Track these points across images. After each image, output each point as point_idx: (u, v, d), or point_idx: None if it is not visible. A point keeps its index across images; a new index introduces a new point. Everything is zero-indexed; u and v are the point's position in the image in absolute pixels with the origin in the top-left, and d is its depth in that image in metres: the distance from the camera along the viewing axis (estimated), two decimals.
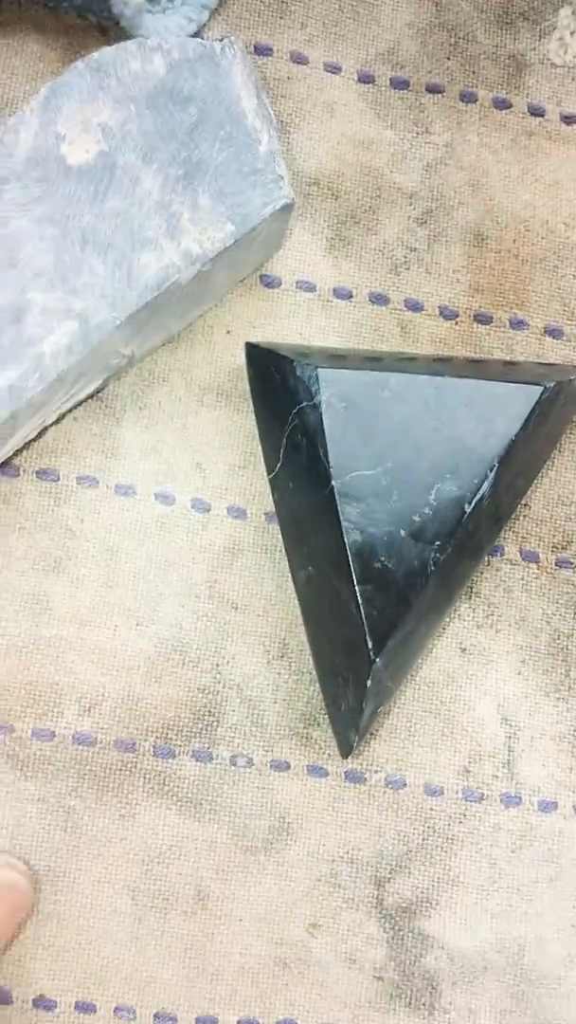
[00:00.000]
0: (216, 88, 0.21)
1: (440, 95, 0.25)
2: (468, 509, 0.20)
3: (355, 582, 0.20)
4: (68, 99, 0.20)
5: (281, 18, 0.24)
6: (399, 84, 0.25)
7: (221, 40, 0.21)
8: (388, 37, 0.25)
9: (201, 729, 0.22)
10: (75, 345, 0.20)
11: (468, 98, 0.25)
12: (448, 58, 0.25)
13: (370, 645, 0.20)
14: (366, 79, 0.25)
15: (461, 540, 0.20)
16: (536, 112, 0.25)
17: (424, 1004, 0.22)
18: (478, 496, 0.20)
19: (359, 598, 0.20)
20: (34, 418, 0.21)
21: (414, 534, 0.20)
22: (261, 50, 0.24)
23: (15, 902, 0.21)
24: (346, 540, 0.20)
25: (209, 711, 0.22)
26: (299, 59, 0.24)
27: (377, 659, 0.20)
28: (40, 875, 0.22)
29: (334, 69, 0.24)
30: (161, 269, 0.21)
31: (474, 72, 0.25)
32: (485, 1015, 0.22)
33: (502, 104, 0.25)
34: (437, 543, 0.20)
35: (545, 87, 0.25)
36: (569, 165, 0.25)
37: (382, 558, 0.20)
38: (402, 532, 0.20)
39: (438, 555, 0.20)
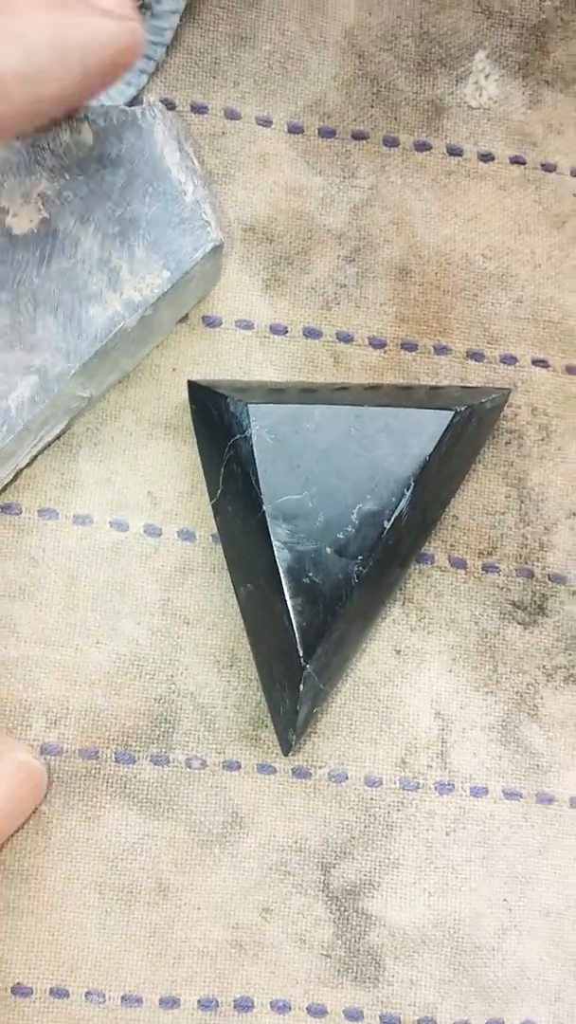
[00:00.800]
0: (141, 149, 0.23)
1: (365, 141, 0.27)
2: (387, 525, 0.22)
3: (286, 596, 0.22)
4: (9, 175, 0.23)
5: (214, 78, 0.27)
6: (326, 133, 0.27)
7: (142, 105, 0.24)
8: (315, 90, 0.27)
9: (158, 735, 0.25)
10: (37, 396, 0.23)
11: (391, 142, 0.27)
12: (371, 106, 0.27)
13: (301, 653, 0.22)
14: (295, 130, 0.27)
15: (382, 553, 0.23)
16: (455, 152, 0.27)
17: (369, 978, 0.24)
18: (396, 513, 0.22)
19: (290, 611, 0.22)
20: (6, 465, 0.24)
21: (339, 550, 0.22)
22: (197, 108, 0.26)
23: (33, 783, 0.23)
24: (277, 558, 0.22)
25: (165, 718, 0.25)
26: (232, 115, 0.27)
27: (308, 665, 0.22)
28: (14, 874, 0.24)
29: (265, 122, 0.27)
30: (108, 319, 0.23)
31: (396, 118, 0.27)
32: (426, 985, 0.24)
33: (423, 146, 0.27)
34: (360, 557, 0.22)
35: (463, 128, 0.27)
36: (486, 200, 0.27)
37: (310, 573, 0.22)
38: (328, 549, 0.22)
39: (361, 568, 0.22)
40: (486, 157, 0.27)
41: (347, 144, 0.27)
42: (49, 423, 0.24)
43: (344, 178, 0.27)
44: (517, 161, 0.27)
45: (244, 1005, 0.24)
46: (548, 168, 0.27)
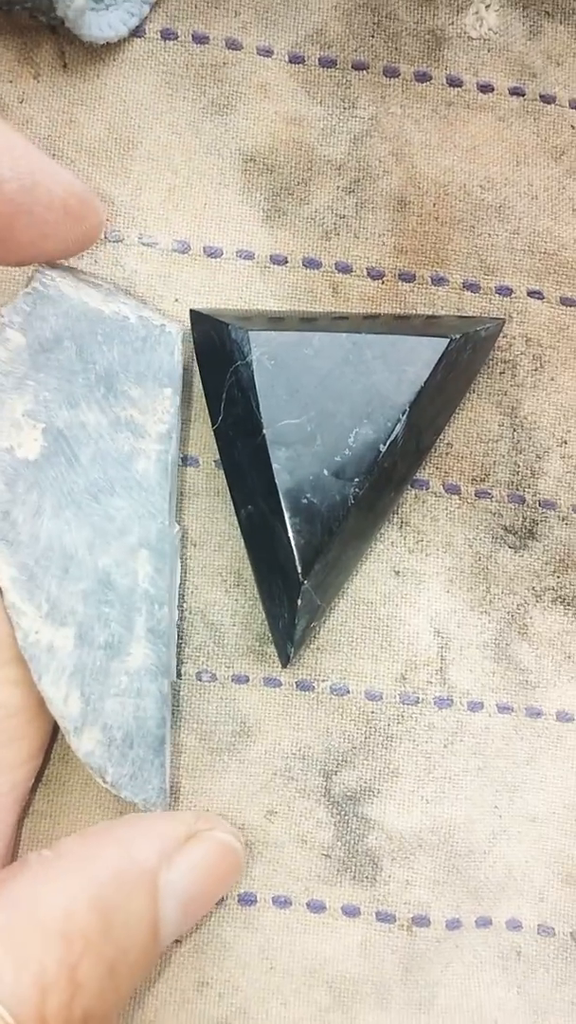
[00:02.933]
0: (66, 313, 0.23)
1: (365, 71, 0.27)
2: (383, 449, 0.23)
3: (285, 516, 0.23)
4: None
5: (215, 8, 0.27)
6: (327, 63, 0.27)
7: (32, 279, 0.23)
8: (316, 19, 0.27)
9: None
10: (159, 565, 0.23)
11: (391, 73, 0.27)
12: (372, 36, 0.27)
13: (299, 569, 0.23)
14: (296, 60, 0.27)
15: (378, 476, 0.23)
16: (454, 83, 0.27)
17: (367, 877, 0.26)
18: (392, 437, 0.23)
19: (289, 530, 0.23)
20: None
21: (336, 473, 0.23)
22: (198, 38, 0.27)
23: (232, 862, 0.23)
24: (277, 480, 0.23)
25: (178, 635, 0.26)
26: (234, 45, 0.27)
27: (305, 581, 0.23)
28: (41, 783, 0.25)
29: (266, 52, 0.27)
30: (156, 462, 0.23)
31: (396, 48, 0.27)
32: (420, 885, 0.26)
33: (423, 77, 0.27)
34: (356, 479, 0.23)
35: (463, 59, 0.27)
36: (485, 131, 0.27)
37: (308, 495, 0.23)
38: (325, 471, 0.23)
39: (357, 490, 0.23)
40: (485, 88, 0.27)
41: (347, 74, 0.27)
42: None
43: (344, 108, 0.27)
44: (516, 92, 0.27)
45: (248, 900, 0.25)
46: (547, 99, 0.27)
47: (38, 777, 0.25)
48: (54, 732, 0.25)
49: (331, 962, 0.25)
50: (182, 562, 0.26)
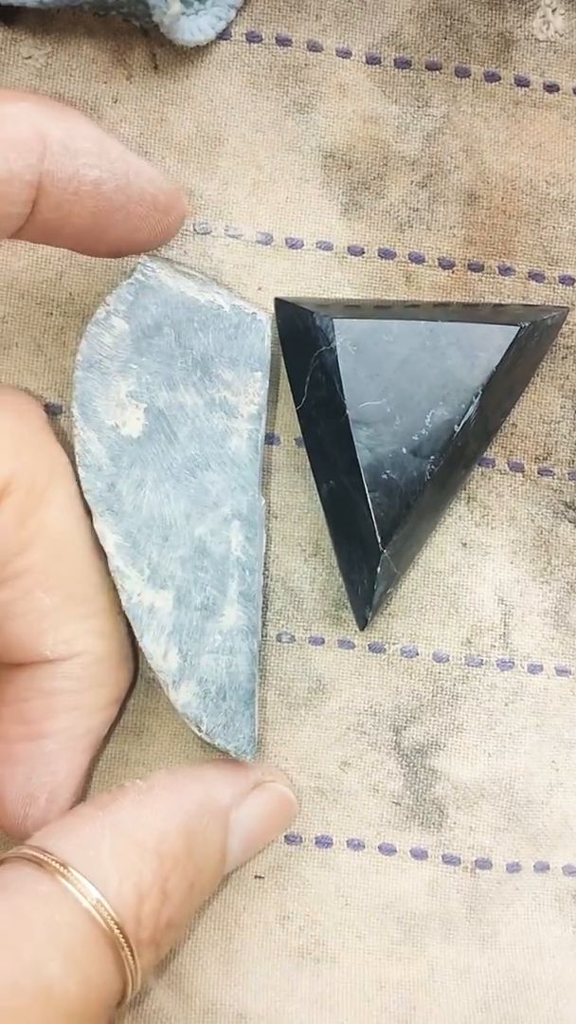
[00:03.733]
0: (166, 302, 0.25)
1: (438, 72, 0.29)
2: (457, 429, 0.25)
3: (366, 491, 0.25)
4: (96, 398, 0.24)
5: (298, 12, 0.28)
6: (402, 64, 0.29)
7: (135, 270, 0.25)
8: (392, 22, 0.29)
9: None
10: (250, 535, 0.25)
11: (462, 73, 0.29)
12: (445, 38, 0.29)
13: (379, 539, 0.25)
14: (373, 61, 0.29)
15: (452, 454, 0.25)
16: (522, 83, 0.29)
17: (434, 823, 0.28)
18: (465, 418, 0.25)
19: (369, 503, 0.25)
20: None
21: (413, 451, 0.25)
22: (281, 41, 0.28)
23: (288, 812, 0.27)
24: (358, 457, 0.25)
25: (262, 601, 0.28)
26: (314, 47, 0.29)
27: (384, 550, 0.25)
28: (128, 731, 0.27)
29: (345, 54, 0.29)
30: (247, 441, 0.25)
31: (467, 50, 0.29)
32: (483, 831, 0.28)
33: (492, 77, 0.29)
34: (432, 457, 0.25)
35: (530, 60, 0.29)
36: (551, 129, 0.29)
37: (387, 471, 0.25)
38: (403, 449, 0.25)
39: (433, 467, 0.25)
40: (551, 88, 0.29)
41: (421, 75, 0.29)
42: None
43: (418, 107, 0.29)
44: None
45: (324, 842, 0.27)
46: None
47: (130, 728, 0.27)
48: (131, 689, 0.27)
49: (401, 900, 0.27)
50: (267, 533, 0.28)
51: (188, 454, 0.25)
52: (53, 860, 0.21)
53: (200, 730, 0.25)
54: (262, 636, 0.28)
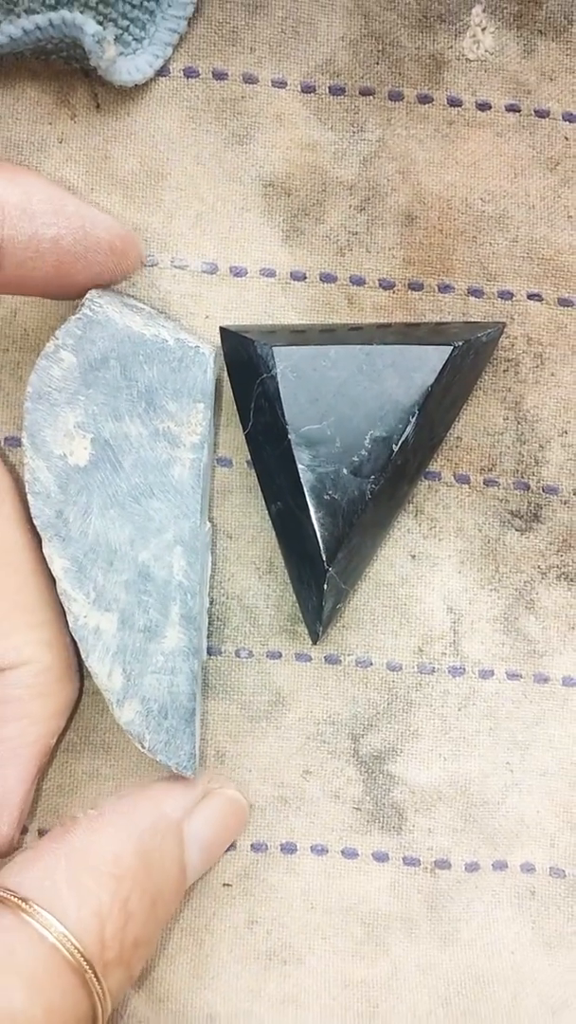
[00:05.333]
0: (113, 336, 0.26)
1: (372, 96, 0.29)
2: (395, 448, 0.26)
3: (311, 511, 0.26)
4: (45, 429, 0.26)
5: (233, 45, 0.29)
6: (336, 91, 0.29)
7: (83, 304, 0.26)
8: (324, 50, 0.29)
9: (212, 631, 0.29)
10: (190, 559, 0.26)
11: (396, 97, 0.29)
12: (377, 63, 0.29)
13: (324, 558, 0.26)
14: (308, 89, 0.29)
15: (392, 472, 0.26)
16: (455, 103, 0.29)
17: (393, 826, 0.29)
18: (403, 438, 0.26)
19: (314, 523, 0.26)
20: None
21: (354, 471, 0.26)
22: (218, 75, 0.29)
23: (240, 817, 0.28)
24: (301, 479, 0.26)
25: (218, 617, 0.29)
26: (250, 79, 0.29)
27: (330, 568, 0.26)
28: (96, 747, 0.29)
29: (280, 84, 0.29)
30: (190, 469, 0.26)
31: (400, 73, 0.29)
32: (441, 833, 0.29)
33: (425, 99, 0.29)
34: (372, 476, 0.26)
35: (461, 80, 0.29)
36: (485, 147, 0.29)
37: (330, 491, 0.26)
38: (344, 470, 0.26)
39: (374, 486, 0.26)
40: (484, 106, 0.29)
41: (355, 100, 0.29)
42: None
43: (354, 132, 0.29)
44: (512, 109, 0.29)
45: (289, 848, 0.29)
46: (541, 114, 0.29)
47: (99, 745, 0.29)
48: (77, 704, 0.28)
49: (364, 901, 0.28)
50: (219, 553, 0.29)
51: (133, 482, 0.26)
52: (12, 896, 0.22)
53: (143, 746, 0.26)
54: (220, 652, 0.29)
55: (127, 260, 0.26)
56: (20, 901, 0.22)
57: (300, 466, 0.26)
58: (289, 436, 0.26)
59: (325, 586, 0.26)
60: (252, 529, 0.29)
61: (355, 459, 0.26)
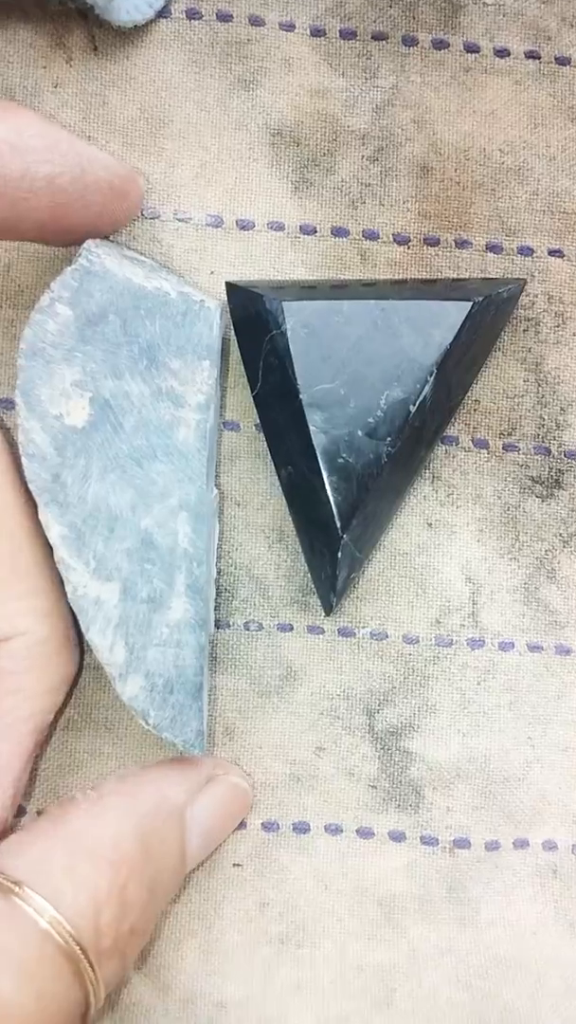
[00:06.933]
0: (111, 288, 0.24)
1: (384, 41, 0.28)
2: (413, 409, 0.25)
3: (323, 475, 0.24)
4: (40, 387, 0.24)
5: None
6: (347, 35, 0.28)
7: (80, 255, 0.25)
8: None
9: (220, 604, 0.28)
10: (197, 526, 0.25)
11: (410, 42, 0.28)
12: (390, 6, 0.28)
13: (338, 525, 0.24)
14: (318, 33, 0.28)
15: (409, 435, 0.25)
16: (471, 49, 0.28)
17: (411, 805, 0.28)
18: (421, 398, 0.25)
19: (327, 488, 0.24)
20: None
21: (369, 433, 0.25)
22: (222, 17, 0.28)
23: (243, 802, 0.26)
24: (314, 442, 0.24)
25: (226, 589, 0.28)
26: (256, 21, 0.28)
27: (344, 535, 0.25)
28: (97, 724, 0.27)
29: (288, 27, 0.28)
30: (195, 430, 0.25)
31: (414, 17, 0.28)
32: (460, 811, 0.28)
33: (440, 44, 0.28)
34: (388, 439, 0.25)
35: (479, 25, 0.28)
36: (503, 95, 0.28)
37: (344, 454, 0.24)
38: (359, 432, 0.24)
39: (390, 449, 0.25)
40: (502, 53, 0.28)
41: (368, 45, 0.28)
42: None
43: (366, 79, 0.28)
44: (532, 56, 0.28)
45: (302, 828, 0.27)
46: (562, 62, 0.28)
47: (101, 723, 0.27)
48: (77, 678, 0.26)
49: (380, 882, 0.27)
50: (226, 521, 0.27)
51: (134, 444, 0.24)
52: (4, 879, 0.21)
53: (148, 723, 0.24)
54: (228, 625, 0.28)
55: (127, 201, 0.24)
56: (12, 884, 0.21)
57: (312, 428, 0.24)
58: (300, 396, 0.24)
59: (339, 555, 0.25)
60: (261, 496, 0.28)
61: (370, 420, 0.25)
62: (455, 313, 0.25)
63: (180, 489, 0.25)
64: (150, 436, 0.25)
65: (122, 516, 0.24)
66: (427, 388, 0.25)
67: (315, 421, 0.24)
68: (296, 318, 0.25)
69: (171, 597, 0.24)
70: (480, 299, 0.25)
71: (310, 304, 0.25)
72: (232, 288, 0.26)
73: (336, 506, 0.24)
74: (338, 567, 0.25)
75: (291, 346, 0.24)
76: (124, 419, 0.24)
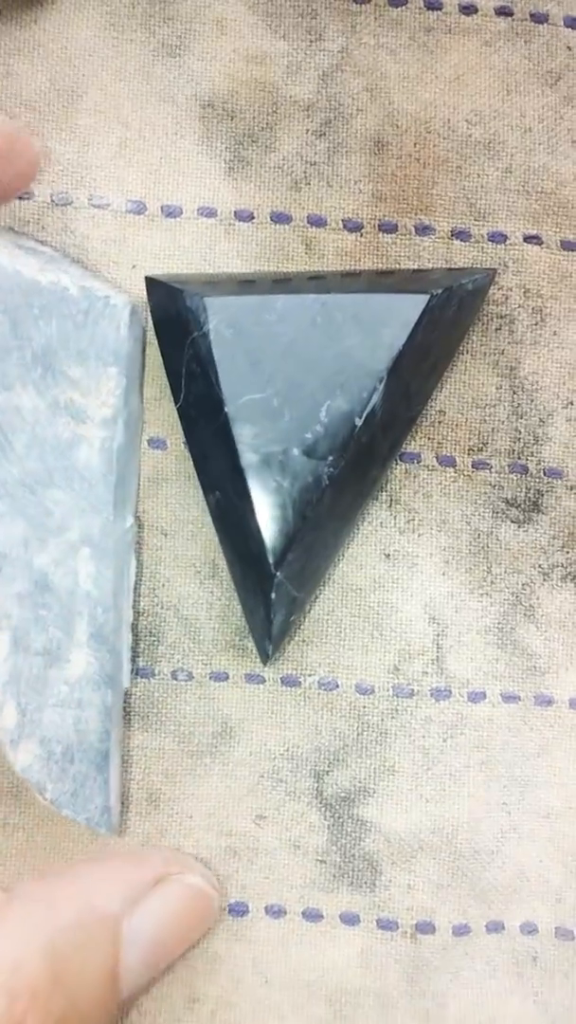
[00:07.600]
0: None
1: None
2: (359, 422, 0.21)
3: (253, 501, 0.21)
4: None
5: None
6: None
7: None
8: None
9: (143, 649, 0.24)
10: (102, 563, 0.21)
11: None
12: None
13: (271, 560, 0.21)
14: None
15: (356, 453, 0.21)
16: (433, 6, 0.24)
17: (365, 882, 0.24)
18: (369, 409, 0.21)
19: (257, 516, 0.21)
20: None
21: (307, 451, 0.21)
22: None
23: (203, 909, 0.22)
24: (242, 462, 0.21)
25: (150, 632, 0.24)
26: None
27: (278, 572, 0.21)
28: (3, 793, 0.24)
29: None
30: (99, 451, 0.21)
31: None
32: (423, 890, 0.24)
33: (397, 1, 0.24)
34: (330, 458, 0.21)
35: None
36: (470, 58, 0.24)
37: (277, 476, 0.21)
38: (295, 450, 0.21)
39: (332, 469, 0.21)
40: (468, 9, 0.24)
41: (313, 2, 0.24)
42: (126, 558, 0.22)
43: (311, 41, 0.24)
44: (503, 12, 0.24)
45: (239, 910, 0.24)
46: (538, 19, 0.24)
47: (5, 790, 0.24)
48: None
49: (330, 974, 0.24)
50: (150, 554, 0.24)
51: (26, 468, 0.21)
52: None
53: (44, 798, 0.21)
54: (154, 674, 0.24)
55: (16, 165, 0.20)
56: None
57: (239, 445, 0.21)
58: (225, 408, 0.21)
59: (273, 595, 0.21)
60: (191, 524, 0.24)
61: (308, 436, 0.21)
62: (409, 308, 0.21)
63: (81, 520, 0.21)
64: (45, 458, 0.21)
65: (12, 553, 0.20)
66: (376, 397, 0.21)
67: (243, 437, 0.21)
68: (220, 317, 0.21)
69: (70, 648, 0.21)
70: (439, 292, 0.21)
71: (237, 300, 0.21)
72: (152, 283, 0.23)
73: (268, 538, 0.21)
74: (272, 609, 0.21)
75: (214, 349, 0.21)
76: (14, 438, 0.21)
